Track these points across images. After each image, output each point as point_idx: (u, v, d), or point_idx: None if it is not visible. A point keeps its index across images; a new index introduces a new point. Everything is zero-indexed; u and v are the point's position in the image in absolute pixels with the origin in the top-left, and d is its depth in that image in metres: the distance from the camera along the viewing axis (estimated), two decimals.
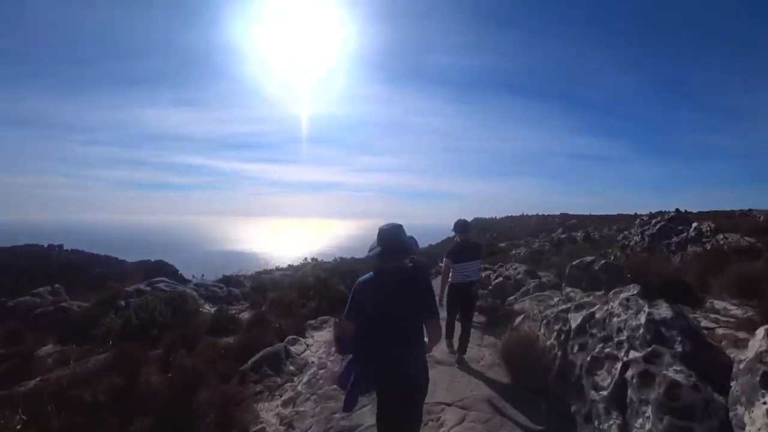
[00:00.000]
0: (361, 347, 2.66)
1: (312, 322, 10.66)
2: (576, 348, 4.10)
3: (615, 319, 3.72)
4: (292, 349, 8.45)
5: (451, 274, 5.57)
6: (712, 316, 5.10)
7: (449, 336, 6.11)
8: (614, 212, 61.90)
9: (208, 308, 13.80)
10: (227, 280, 17.11)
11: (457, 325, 6.00)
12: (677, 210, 18.89)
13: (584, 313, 4.26)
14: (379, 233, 2.75)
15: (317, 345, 8.96)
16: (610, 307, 3.93)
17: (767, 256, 7.28)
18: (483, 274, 11.46)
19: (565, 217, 67.48)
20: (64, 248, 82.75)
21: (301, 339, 9.24)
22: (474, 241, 6.02)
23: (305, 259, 25.13)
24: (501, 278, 10.32)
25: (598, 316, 4.00)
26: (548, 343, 4.78)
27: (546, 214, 75.66)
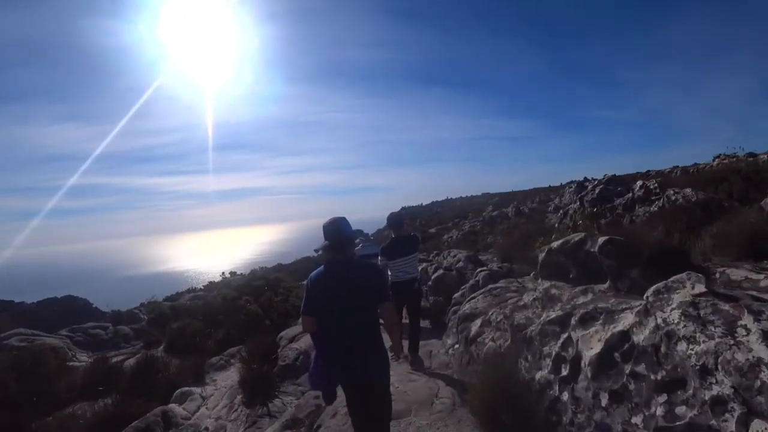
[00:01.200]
0: (323, 341, 2.68)
1: (215, 360, 8.32)
2: (605, 399, 2.29)
3: (683, 347, 1.94)
4: (180, 410, 6.13)
5: (389, 273, 5.05)
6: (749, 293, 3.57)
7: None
8: (531, 187, 64.09)
9: (85, 359, 10.88)
10: (118, 317, 14.00)
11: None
12: (604, 177, 18.63)
13: (605, 330, 2.47)
14: (324, 229, 2.73)
15: (218, 395, 6.68)
16: (659, 319, 2.15)
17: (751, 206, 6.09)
18: (419, 267, 9.73)
19: (487, 196, 68.90)
20: None
21: (196, 391, 6.89)
22: (410, 234, 5.43)
23: (222, 274, 22.13)
24: (441, 270, 8.58)
25: (640, 338, 2.21)
26: (539, 376, 2.99)
27: (469, 195, 76.90)
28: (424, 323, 6.99)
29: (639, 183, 9.37)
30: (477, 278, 6.80)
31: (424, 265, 9.55)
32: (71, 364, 10.01)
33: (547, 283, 3.91)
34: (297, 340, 7.77)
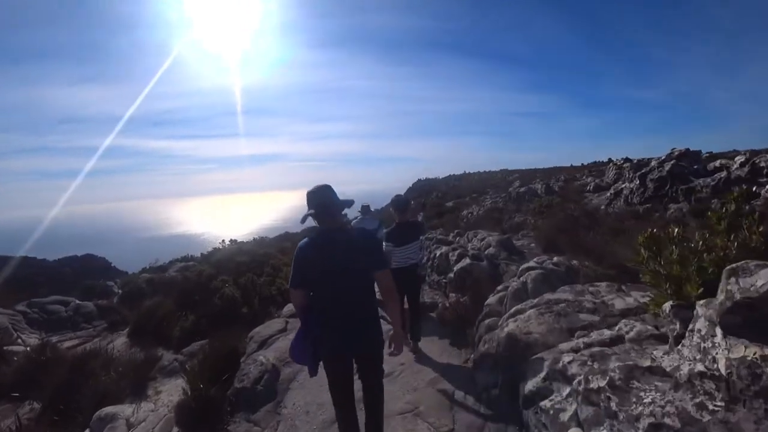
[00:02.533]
0: (316, 312, 2.54)
1: (168, 361, 6.42)
2: None
3: None
4: None
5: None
6: None
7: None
8: (551, 165, 60.70)
9: (34, 341, 9.10)
10: (90, 288, 12.23)
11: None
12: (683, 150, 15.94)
13: None
14: (308, 196, 2.55)
15: (151, 422, 4.73)
16: None
17: None
18: (438, 252, 7.56)
19: (506, 172, 65.87)
20: None
21: (124, 413, 4.94)
22: (413, 220, 5.29)
23: (222, 241, 20.30)
24: (467, 259, 6.37)
25: None
26: None
27: (487, 170, 74.04)
28: (443, 334, 5.24)
29: (739, 159, 6.88)
30: (524, 279, 4.59)
31: (444, 249, 7.37)
32: (10, 348, 8.24)
33: (742, 345, 1.68)
34: (268, 346, 5.74)
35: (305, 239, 2.58)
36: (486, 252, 7.01)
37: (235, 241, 21.03)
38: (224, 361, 5.32)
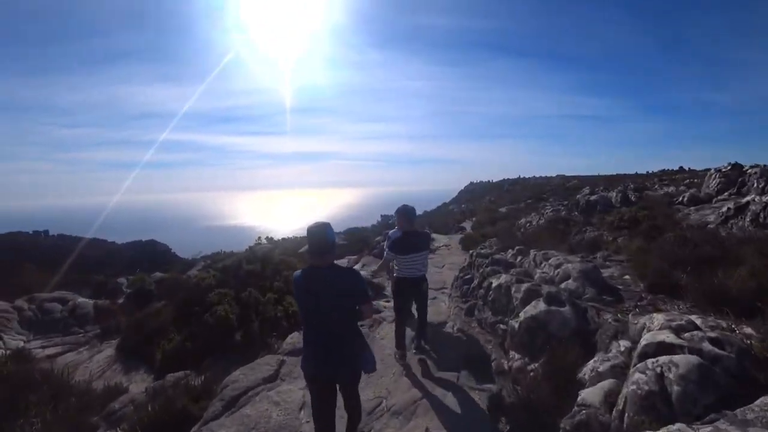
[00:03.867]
0: (304, 339, 2.86)
1: (120, 404, 4.82)
2: None
3: None
4: None
5: (396, 268, 4.73)
6: None
7: (401, 346, 4.91)
8: (613, 172, 55.54)
9: (19, 342, 7.90)
10: (102, 284, 11.13)
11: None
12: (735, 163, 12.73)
13: None
14: (308, 232, 2.74)
15: None
16: None
17: None
18: (495, 281, 5.43)
19: (563, 178, 61.97)
20: (50, 233, 77.46)
21: None
22: (421, 230, 5.14)
23: (258, 238, 19.06)
24: (540, 303, 4.17)
25: None
26: None
27: (544, 175, 69.93)
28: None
29: None
30: (657, 368, 2.43)
31: (504, 278, 5.18)
32: None
33: None
34: (237, 409, 3.92)
35: (298, 272, 2.79)
36: (563, 285, 4.85)
37: (272, 238, 19.79)
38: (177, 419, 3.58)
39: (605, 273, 5.66)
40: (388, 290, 8.05)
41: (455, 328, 5.79)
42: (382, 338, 5.80)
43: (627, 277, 5.65)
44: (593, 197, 14.21)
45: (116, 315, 8.89)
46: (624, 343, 3.37)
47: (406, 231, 4.64)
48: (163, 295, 9.55)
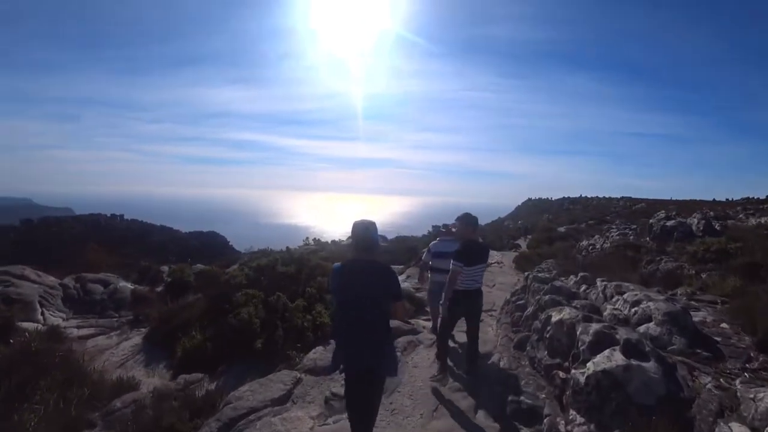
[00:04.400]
0: (337, 331, 2.93)
1: (124, 404, 4.39)
2: None
3: None
4: None
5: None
6: None
7: (443, 366, 4.47)
8: (686, 197, 50.65)
9: (57, 320, 7.88)
10: (146, 269, 11.16)
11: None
12: None
13: None
14: (353, 227, 2.85)
15: None
16: None
17: None
18: (556, 316, 4.51)
19: (628, 200, 57.95)
20: (125, 218, 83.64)
21: None
22: (482, 241, 4.95)
23: (306, 239, 18.84)
24: (616, 354, 3.22)
25: None
26: None
27: (606, 196, 65.78)
28: None
29: None
30: None
31: (568, 312, 4.23)
32: (26, 325, 7.00)
33: None
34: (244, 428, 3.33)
35: (339, 263, 2.88)
36: (643, 329, 3.83)
37: (319, 240, 19.52)
38: None
39: (695, 317, 4.54)
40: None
41: (502, 363, 4.91)
42: (415, 365, 5.02)
43: (725, 325, 4.49)
44: (670, 223, 12.53)
45: (152, 303, 8.74)
46: (738, 430, 2.40)
47: (470, 241, 4.41)
48: (200, 287, 9.32)
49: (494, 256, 16.62)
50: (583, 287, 6.28)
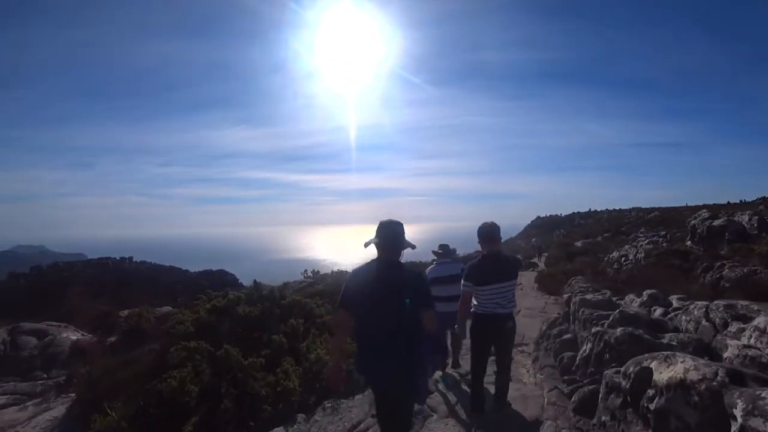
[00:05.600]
0: (357, 341, 2.53)
1: None
2: None
3: None
4: None
5: (475, 302, 3.64)
6: None
7: (478, 402, 3.73)
8: (694, 203, 48.21)
9: None
10: (105, 316, 9.31)
11: None
12: None
13: None
14: (379, 226, 2.58)
15: None
16: None
17: None
18: (654, 366, 2.59)
19: (640, 211, 55.82)
20: (134, 260, 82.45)
21: None
22: (507, 254, 3.96)
23: (304, 271, 17.02)
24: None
25: None
26: None
27: (616, 208, 63.67)
28: None
29: None
30: None
31: (691, 366, 2.34)
32: None
33: None
34: None
35: (361, 264, 2.63)
36: (725, 377, 2.00)
37: (318, 272, 17.64)
38: None
39: None
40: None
41: None
42: None
43: None
44: (717, 222, 10.52)
45: (94, 358, 6.87)
46: None
47: (487, 254, 3.63)
48: (157, 336, 7.47)
49: None
50: (657, 310, 4.35)
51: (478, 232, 3.64)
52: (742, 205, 32.08)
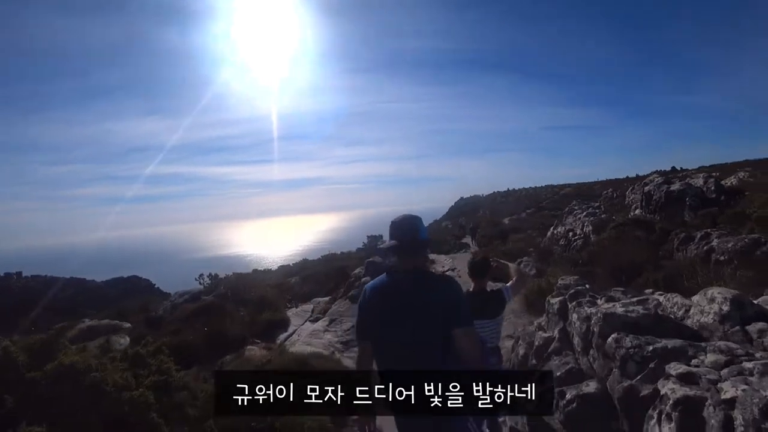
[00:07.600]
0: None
1: None
2: None
3: None
4: None
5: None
6: None
7: None
8: (604, 178, 51.06)
9: None
10: None
11: None
12: None
13: None
14: (391, 226, 1.90)
15: None
16: None
17: None
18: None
19: (553, 187, 58.66)
20: (23, 275, 70.21)
21: None
22: (495, 289, 3.20)
23: (232, 273, 13.68)
24: None
25: None
26: None
27: (533, 186, 66.78)
28: None
29: None
30: None
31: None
32: None
33: None
34: None
35: (373, 280, 1.95)
36: None
37: (216, 276, 14.44)
38: None
39: None
40: None
41: None
42: None
43: None
44: (675, 187, 9.11)
45: None
46: None
47: (473, 290, 2.89)
48: None
49: (444, 262, 13.10)
50: (679, 311, 2.19)
51: (471, 266, 3.01)
52: (640, 179, 33.43)
